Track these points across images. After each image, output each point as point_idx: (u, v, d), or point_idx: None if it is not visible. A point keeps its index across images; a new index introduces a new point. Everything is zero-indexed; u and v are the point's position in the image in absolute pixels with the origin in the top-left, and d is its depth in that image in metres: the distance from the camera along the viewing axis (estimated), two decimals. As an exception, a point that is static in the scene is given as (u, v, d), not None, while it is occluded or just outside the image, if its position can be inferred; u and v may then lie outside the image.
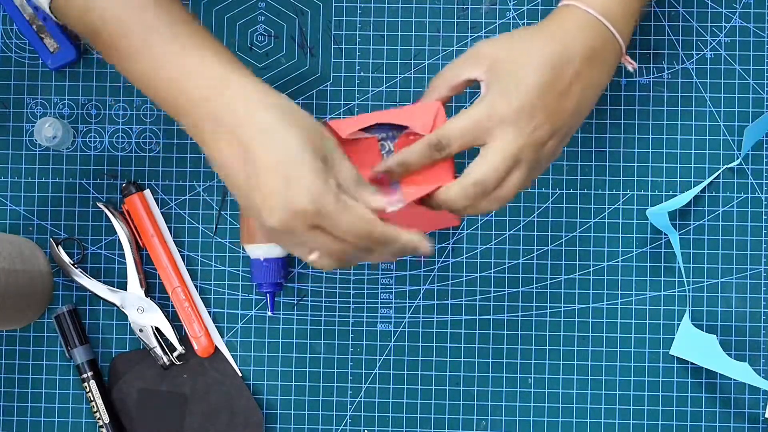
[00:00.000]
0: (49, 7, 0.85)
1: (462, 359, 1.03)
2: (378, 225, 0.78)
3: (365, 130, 0.87)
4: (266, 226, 0.78)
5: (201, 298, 1.04)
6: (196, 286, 1.04)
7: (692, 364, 1.01)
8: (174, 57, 0.80)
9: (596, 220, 1.03)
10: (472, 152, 1.03)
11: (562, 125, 0.85)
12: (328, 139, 0.79)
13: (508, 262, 1.03)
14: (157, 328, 1.03)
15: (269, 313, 1.02)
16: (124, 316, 1.03)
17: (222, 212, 1.04)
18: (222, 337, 1.03)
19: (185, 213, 1.04)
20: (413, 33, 1.05)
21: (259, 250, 1.00)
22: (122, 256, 1.04)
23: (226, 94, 0.79)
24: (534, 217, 1.03)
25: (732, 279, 1.02)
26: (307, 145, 0.77)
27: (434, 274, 1.03)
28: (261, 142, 0.77)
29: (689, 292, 1.02)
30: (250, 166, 0.77)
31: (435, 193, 0.85)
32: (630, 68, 0.90)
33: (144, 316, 1.02)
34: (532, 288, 1.03)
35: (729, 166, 1.03)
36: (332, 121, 0.86)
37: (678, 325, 1.02)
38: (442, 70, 0.89)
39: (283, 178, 0.76)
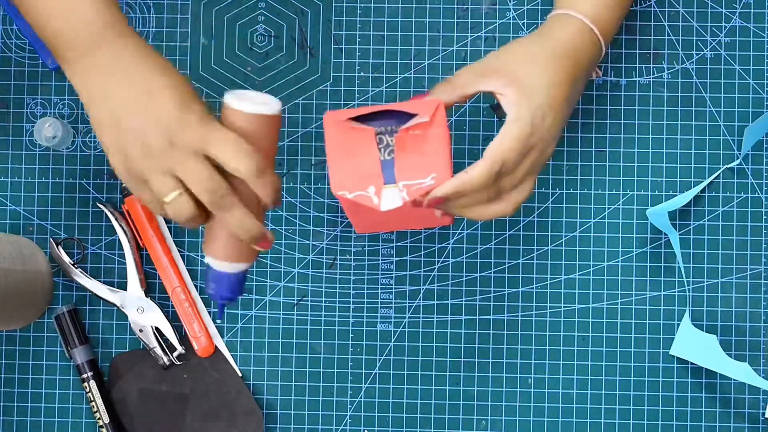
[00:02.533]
0: None
1: (462, 359, 1.03)
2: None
3: (364, 120, 0.86)
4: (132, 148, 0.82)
5: (201, 298, 1.04)
6: (196, 286, 1.04)
7: (692, 364, 1.01)
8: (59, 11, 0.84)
9: (596, 220, 1.03)
10: (472, 154, 1.03)
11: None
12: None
13: (508, 262, 1.03)
14: (157, 328, 1.03)
15: (217, 320, 1.02)
16: (124, 316, 1.03)
17: (222, 212, 1.04)
18: (222, 337, 1.03)
19: (185, 213, 1.04)
20: (413, 33, 1.05)
21: (211, 262, 0.92)
22: (122, 256, 1.04)
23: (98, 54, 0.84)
24: (534, 217, 1.03)
25: (732, 279, 1.02)
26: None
27: (434, 274, 1.03)
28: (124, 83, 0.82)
29: (689, 292, 1.02)
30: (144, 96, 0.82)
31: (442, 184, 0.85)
32: (594, 77, 0.95)
33: (144, 316, 1.03)
34: (532, 288, 1.03)
35: (729, 166, 1.03)
36: (331, 112, 0.86)
37: (678, 325, 1.02)
38: (455, 77, 0.88)
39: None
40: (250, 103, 0.84)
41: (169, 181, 0.82)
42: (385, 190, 0.86)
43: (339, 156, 0.86)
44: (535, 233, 1.03)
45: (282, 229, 1.04)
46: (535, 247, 1.03)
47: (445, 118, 0.85)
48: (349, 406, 1.03)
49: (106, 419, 1.02)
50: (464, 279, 1.03)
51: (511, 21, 1.04)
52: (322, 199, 1.04)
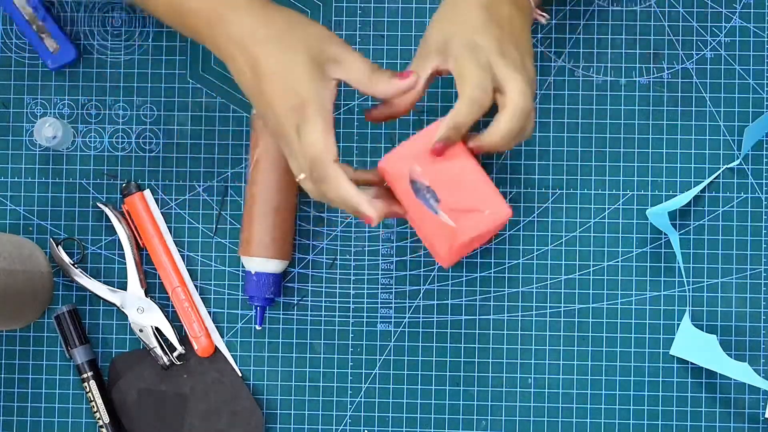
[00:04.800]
0: None
1: (462, 359, 1.03)
2: (331, 157, 0.86)
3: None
4: (269, 128, 0.90)
5: (201, 298, 1.04)
6: (196, 286, 1.04)
7: (692, 364, 1.01)
8: None
9: (596, 220, 1.03)
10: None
11: (522, 48, 0.90)
12: (334, 44, 0.87)
13: (508, 262, 1.03)
14: (157, 328, 1.03)
15: (257, 327, 1.03)
16: (124, 316, 1.03)
17: (222, 212, 1.04)
18: (222, 337, 1.03)
19: (185, 213, 1.04)
20: (413, 33, 1.05)
21: (253, 263, 1.00)
22: (122, 256, 1.04)
23: (230, 16, 0.88)
24: (534, 217, 1.03)
25: (732, 279, 1.02)
26: (304, 56, 0.86)
27: (434, 274, 1.03)
28: (263, 53, 0.86)
29: (689, 292, 1.02)
30: (256, 73, 0.86)
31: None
32: (543, 21, 0.95)
33: (144, 316, 1.03)
34: (532, 288, 1.03)
35: (729, 166, 1.03)
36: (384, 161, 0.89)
37: (678, 325, 1.02)
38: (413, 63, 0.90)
39: (282, 86, 0.86)
40: None
41: (296, 162, 0.89)
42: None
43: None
44: (535, 233, 1.03)
45: (282, 229, 1.04)
46: (535, 247, 1.03)
47: (466, 150, 0.89)
48: (349, 406, 1.03)
49: (106, 419, 1.02)
50: (464, 279, 1.03)
51: (511, 21, 1.04)
52: (322, 199, 1.04)
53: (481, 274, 1.03)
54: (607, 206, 1.03)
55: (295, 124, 0.86)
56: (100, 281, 1.03)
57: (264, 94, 0.86)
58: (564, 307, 1.03)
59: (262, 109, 0.88)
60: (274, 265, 1.00)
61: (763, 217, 1.03)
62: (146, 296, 1.03)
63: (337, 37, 0.88)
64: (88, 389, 1.02)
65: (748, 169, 1.03)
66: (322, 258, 1.04)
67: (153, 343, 1.02)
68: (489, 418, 1.02)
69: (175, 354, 1.03)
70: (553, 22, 1.04)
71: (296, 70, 0.86)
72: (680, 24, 1.04)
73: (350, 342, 1.03)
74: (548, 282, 1.03)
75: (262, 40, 0.86)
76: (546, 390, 1.02)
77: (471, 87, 0.87)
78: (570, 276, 1.03)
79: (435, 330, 1.03)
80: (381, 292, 1.03)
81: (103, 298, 1.03)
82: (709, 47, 1.04)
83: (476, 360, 1.03)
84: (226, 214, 1.04)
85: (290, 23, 0.87)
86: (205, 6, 0.88)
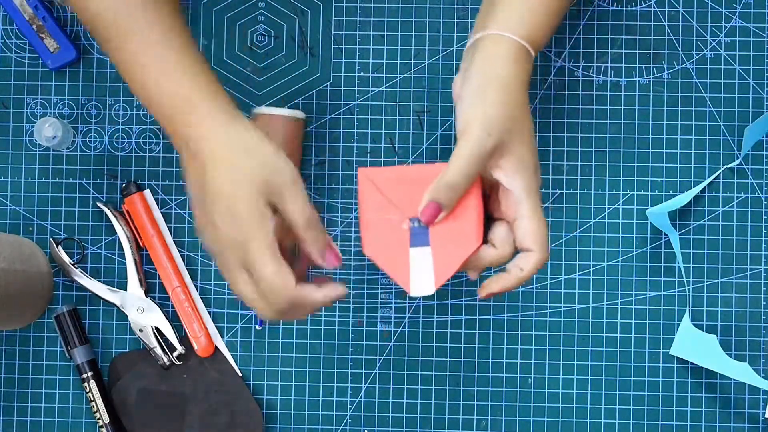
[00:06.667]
0: None
1: (462, 359, 1.03)
2: (291, 289, 0.81)
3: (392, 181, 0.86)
4: (205, 245, 0.85)
5: (201, 298, 1.04)
6: (196, 286, 1.04)
7: (692, 364, 1.01)
8: (157, 74, 0.85)
9: (596, 220, 1.03)
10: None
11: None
12: (284, 175, 0.82)
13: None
14: (157, 328, 1.03)
15: (257, 327, 1.03)
16: (124, 316, 1.03)
17: (222, 212, 1.04)
18: (222, 337, 1.03)
19: (185, 213, 1.04)
20: (413, 33, 1.05)
21: None
22: (122, 256, 1.04)
23: (192, 117, 0.84)
24: (534, 217, 1.03)
25: (732, 279, 1.02)
26: (252, 185, 0.81)
27: (434, 274, 1.03)
28: (212, 170, 0.82)
29: (689, 292, 1.02)
30: (202, 185, 0.83)
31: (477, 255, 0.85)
32: None
33: (144, 316, 1.03)
34: (532, 288, 1.03)
35: (729, 166, 1.03)
36: (364, 168, 0.85)
37: (678, 325, 1.02)
38: (451, 178, 0.82)
39: (225, 210, 0.82)
40: (283, 110, 0.98)
41: (236, 286, 0.84)
42: (415, 252, 0.85)
43: (372, 218, 0.85)
44: (535, 233, 1.03)
45: (282, 229, 1.04)
46: (535, 247, 1.03)
47: (479, 181, 0.84)
48: (349, 406, 1.03)
49: (106, 419, 1.02)
50: (464, 279, 1.03)
51: (511, 21, 1.04)
52: (321, 199, 1.04)
53: (481, 274, 1.03)
54: (607, 206, 1.03)
55: (239, 260, 0.82)
56: (100, 281, 1.03)
57: (205, 208, 0.83)
58: (564, 307, 1.03)
59: (201, 224, 0.84)
60: None
61: (763, 217, 1.03)
62: (146, 296, 1.03)
63: (291, 170, 0.83)
64: (88, 389, 1.02)
65: (748, 169, 1.03)
66: (322, 258, 1.04)
67: (153, 343, 1.02)
68: (489, 418, 1.02)
69: (175, 354, 1.03)
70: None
71: (240, 203, 0.81)
72: (680, 24, 1.04)
73: (350, 342, 1.03)
74: (548, 282, 1.03)
75: (218, 159, 0.82)
76: (546, 390, 1.02)
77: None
78: (570, 276, 1.03)
79: (435, 330, 1.03)
80: (381, 292, 1.03)
81: (103, 298, 1.03)
82: (709, 47, 1.04)
83: (476, 360, 1.03)
84: (226, 214, 1.04)
85: (247, 149, 0.83)
86: (179, 92, 0.84)
